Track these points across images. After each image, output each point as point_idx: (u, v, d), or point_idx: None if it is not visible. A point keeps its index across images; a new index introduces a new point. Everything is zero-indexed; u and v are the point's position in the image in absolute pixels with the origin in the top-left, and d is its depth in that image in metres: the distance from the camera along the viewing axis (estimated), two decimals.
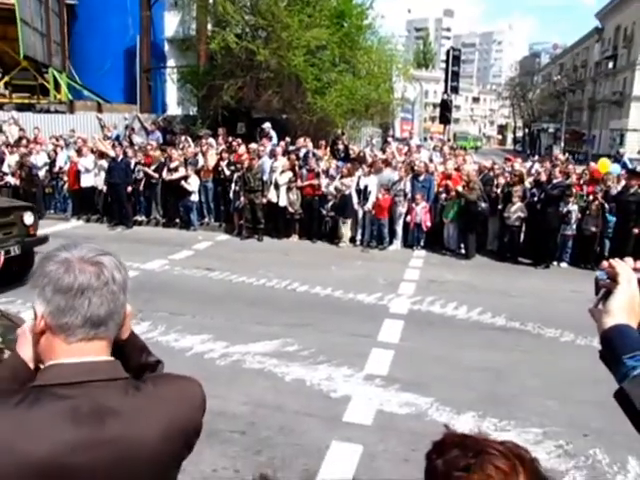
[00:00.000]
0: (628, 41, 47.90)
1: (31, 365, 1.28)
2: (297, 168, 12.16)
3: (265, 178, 12.16)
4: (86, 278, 1.19)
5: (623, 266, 1.22)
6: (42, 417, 1.11)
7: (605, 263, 1.25)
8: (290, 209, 11.98)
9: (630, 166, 12.98)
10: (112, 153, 13.05)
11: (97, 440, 1.14)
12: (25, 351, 1.29)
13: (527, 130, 73.85)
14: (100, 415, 1.15)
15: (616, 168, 12.06)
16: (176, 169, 12.53)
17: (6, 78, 24.22)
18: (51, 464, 1.09)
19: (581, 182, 11.42)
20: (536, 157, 14.02)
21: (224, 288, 8.74)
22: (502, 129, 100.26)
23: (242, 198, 12.08)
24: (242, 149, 13.01)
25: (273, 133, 14.62)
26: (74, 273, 1.19)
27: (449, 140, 22.82)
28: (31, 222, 8.52)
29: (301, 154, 12.90)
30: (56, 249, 1.25)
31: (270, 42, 16.19)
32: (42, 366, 1.23)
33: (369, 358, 6.10)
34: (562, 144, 50.63)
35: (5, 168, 13.64)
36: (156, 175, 12.76)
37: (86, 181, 13.39)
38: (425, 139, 27.91)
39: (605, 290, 1.23)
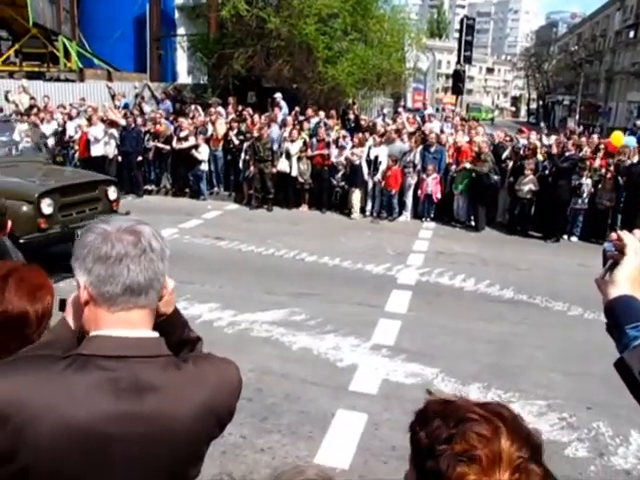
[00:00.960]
0: None
1: (75, 334, 1.32)
2: (307, 138, 12.08)
3: (275, 148, 12.11)
4: (123, 246, 1.20)
5: (631, 238, 1.21)
6: (84, 385, 1.15)
7: (613, 235, 1.24)
8: (300, 179, 11.94)
9: None
10: (123, 122, 13.00)
11: (134, 413, 1.17)
12: (70, 320, 1.34)
13: (541, 102, 72.73)
14: (139, 390, 1.17)
15: (631, 140, 11.84)
16: (186, 138, 12.48)
17: (16, 46, 24.06)
18: (89, 431, 1.13)
19: (595, 155, 11.23)
20: (545, 131, 13.74)
21: (233, 257, 8.78)
22: (516, 101, 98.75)
23: (252, 167, 12.05)
24: (257, 118, 12.93)
25: (283, 103, 14.48)
26: (112, 242, 1.20)
27: (460, 111, 22.52)
28: (115, 197, 8.27)
29: (311, 124, 12.80)
30: (95, 221, 1.27)
31: (281, 10, 15.96)
32: (87, 336, 1.25)
33: (376, 328, 6.14)
34: (577, 117, 49.87)
35: (16, 136, 13.63)
36: (167, 147, 12.73)
37: (96, 150, 13.36)
38: (437, 110, 27.56)
39: (612, 261, 1.22)
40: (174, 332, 1.45)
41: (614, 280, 1.19)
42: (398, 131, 12.17)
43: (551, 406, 4.68)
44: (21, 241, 6.39)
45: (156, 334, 1.27)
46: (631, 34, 49.99)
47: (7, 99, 16.75)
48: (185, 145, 12.42)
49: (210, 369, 1.32)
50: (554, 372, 5.27)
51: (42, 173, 8.17)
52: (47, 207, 7.04)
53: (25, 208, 6.85)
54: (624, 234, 1.23)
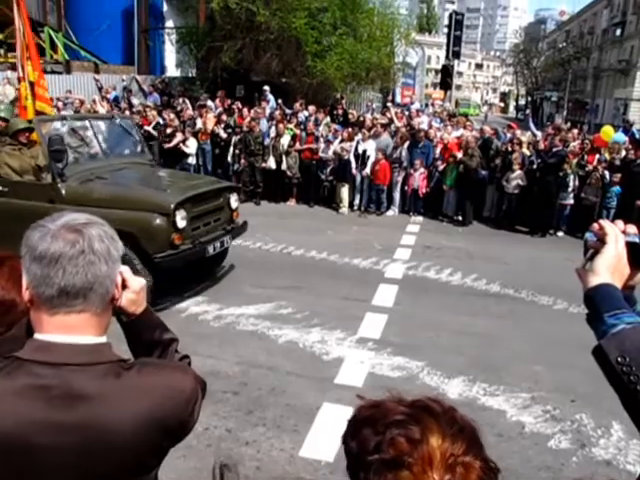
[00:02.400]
0: (638, 7, 46.99)
1: None
2: (297, 132, 12.05)
3: (267, 142, 12.06)
4: (59, 246, 1.14)
5: (612, 227, 1.21)
6: (14, 391, 1.11)
7: (595, 225, 1.24)
8: (288, 173, 11.91)
9: (637, 135, 12.82)
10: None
11: (65, 423, 1.12)
12: None
13: (530, 98, 73.06)
14: (71, 399, 1.13)
15: (620, 136, 11.90)
16: (173, 134, 12.38)
17: (0, 36, 23.79)
18: (16, 440, 1.09)
19: (583, 150, 11.27)
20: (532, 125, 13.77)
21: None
22: (504, 96, 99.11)
23: (242, 161, 12.00)
24: (245, 112, 12.87)
25: (271, 97, 14.43)
26: (48, 241, 1.15)
27: (449, 106, 22.57)
28: (236, 205, 7.36)
29: (300, 118, 12.77)
30: (45, 218, 1.22)
31: (271, 3, 15.89)
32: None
33: (362, 322, 6.15)
34: (565, 113, 50.16)
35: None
36: (155, 133, 12.60)
37: None
38: (426, 105, 27.60)
39: (593, 251, 1.22)
40: (144, 333, 1.41)
41: (594, 269, 1.19)
42: (384, 125, 12.17)
43: (535, 399, 4.71)
44: (156, 260, 5.83)
45: (100, 339, 1.21)
46: (618, 32, 50.34)
47: None
48: (172, 143, 12.29)
49: (157, 378, 1.25)
50: (539, 365, 5.31)
51: (164, 179, 7.35)
52: (181, 220, 6.08)
53: (159, 221, 5.91)
54: (605, 223, 1.23)
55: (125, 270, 1.31)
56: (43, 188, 6.30)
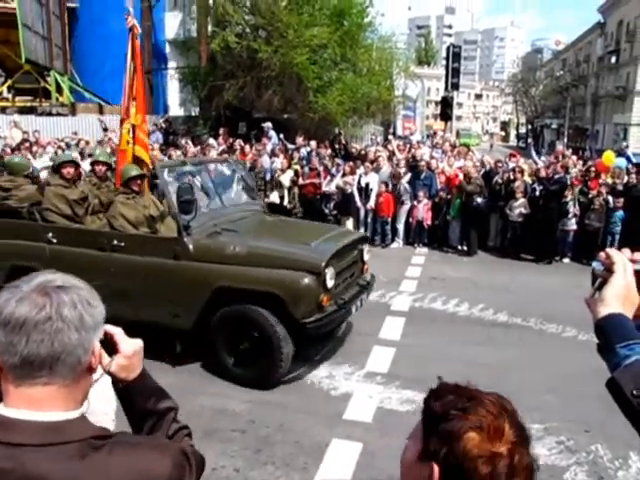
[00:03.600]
0: (631, 35, 47.65)
1: None
2: (299, 167, 12.15)
3: (268, 178, 12.16)
4: (25, 310, 1.05)
5: (619, 256, 1.21)
6: None
7: (602, 254, 1.24)
8: (289, 206, 11.97)
9: (634, 160, 12.90)
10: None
11: None
12: None
13: (530, 126, 73.61)
14: None
15: (622, 162, 11.97)
16: None
17: (9, 82, 24.29)
18: None
19: (586, 177, 11.27)
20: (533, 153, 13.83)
21: None
22: (505, 125, 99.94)
23: None
24: (247, 149, 13.02)
25: (273, 133, 14.61)
26: (13, 304, 1.06)
27: (450, 137, 22.77)
28: (367, 258, 6.58)
29: (302, 153, 12.89)
30: (22, 277, 1.13)
31: (272, 40, 16.20)
32: None
33: (370, 356, 6.09)
34: (565, 139, 50.44)
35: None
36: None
37: None
38: (428, 136, 27.84)
39: (601, 280, 1.22)
40: (137, 401, 1.32)
41: (603, 299, 1.18)
42: (389, 157, 12.27)
43: (548, 429, 4.63)
44: (307, 326, 5.12)
45: (68, 415, 1.09)
46: (613, 59, 50.94)
47: None
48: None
49: (129, 460, 1.11)
50: (550, 395, 5.23)
51: (298, 230, 6.69)
52: (330, 279, 5.31)
53: (308, 281, 5.10)
54: (612, 252, 1.23)
55: (117, 332, 1.25)
56: (166, 243, 5.60)
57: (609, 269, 1.21)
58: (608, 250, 1.24)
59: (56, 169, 6.71)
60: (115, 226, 5.94)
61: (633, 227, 10.11)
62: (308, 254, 5.35)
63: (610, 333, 1.14)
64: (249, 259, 5.25)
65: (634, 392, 1.05)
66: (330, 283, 5.32)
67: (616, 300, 1.17)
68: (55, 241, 5.96)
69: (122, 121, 7.03)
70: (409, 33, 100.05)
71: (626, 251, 1.24)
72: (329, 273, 5.29)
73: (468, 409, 1.00)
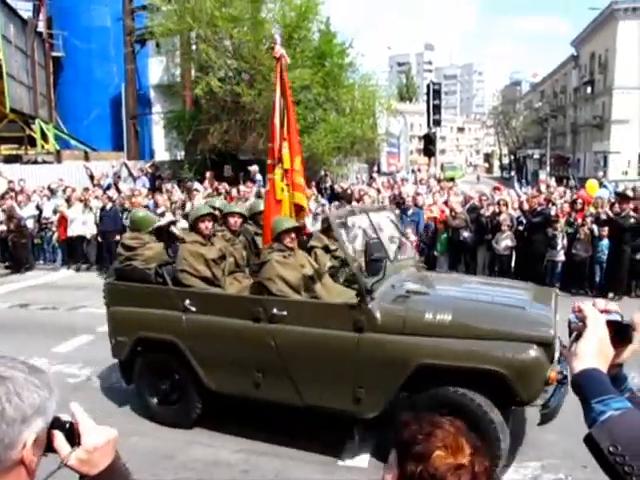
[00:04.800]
0: (603, 67, 49.03)
1: None
2: None
3: None
4: None
5: (591, 310, 1.23)
6: None
7: (576, 306, 1.26)
8: None
9: (610, 190, 13.15)
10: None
11: None
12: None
13: (513, 157, 74.74)
14: None
15: (604, 192, 12.19)
16: (163, 214, 12.53)
17: None
18: None
19: (571, 209, 11.39)
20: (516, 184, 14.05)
21: None
22: (488, 157, 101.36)
23: None
24: (234, 192, 13.10)
25: (259, 176, 14.70)
26: None
27: (434, 172, 23.06)
28: None
29: None
30: None
31: (255, 83, 16.45)
32: None
33: None
34: (548, 169, 51.20)
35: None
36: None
37: (75, 230, 13.40)
38: (413, 171, 28.18)
39: (576, 333, 1.24)
40: None
41: (577, 353, 1.20)
42: (374, 196, 12.38)
43: (545, 467, 4.60)
44: (542, 412, 4.36)
45: None
46: (588, 90, 52.23)
47: None
48: (163, 222, 12.41)
49: None
50: (546, 432, 5.17)
51: (487, 289, 5.48)
52: (557, 350, 4.39)
53: (536, 354, 4.15)
54: (584, 306, 1.24)
55: (83, 422, 1.19)
56: (345, 311, 4.61)
57: (583, 322, 1.22)
58: (580, 304, 1.26)
59: (193, 224, 5.72)
60: (273, 291, 4.90)
61: (618, 255, 10.23)
62: (532, 321, 4.42)
63: (585, 389, 1.15)
64: (455, 330, 4.27)
65: (610, 449, 1.05)
66: (557, 355, 4.40)
67: (590, 355, 1.18)
68: (194, 309, 5.11)
69: (271, 167, 6.09)
70: (390, 70, 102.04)
71: (599, 302, 1.26)
72: (557, 343, 4.35)
73: (431, 433, 1.15)
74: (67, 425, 1.18)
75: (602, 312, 1.23)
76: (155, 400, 5.49)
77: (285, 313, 4.74)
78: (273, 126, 6.06)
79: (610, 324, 1.22)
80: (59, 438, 1.16)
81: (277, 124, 6.03)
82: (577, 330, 1.24)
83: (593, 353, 1.18)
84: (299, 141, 6.32)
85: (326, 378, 4.61)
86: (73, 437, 1.17)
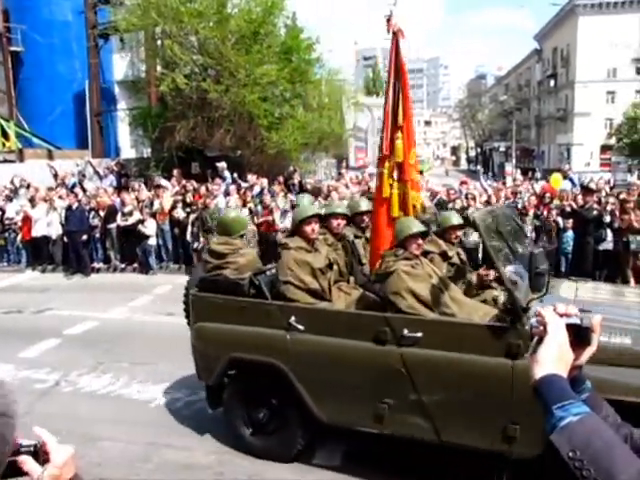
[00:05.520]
0: (565, 61, 50.02)
1: None
2: (253, 205, 12.18)
3: None
4: None
5: (551, 315, 1.24)
6: None
7: (537, 312, 1.28)
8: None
9: (576, 182, 13.42)
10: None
11: None
12: None
13: (480, 149, 75.71)
14: None
15: (568, 184, 12.42)
16: (130, 213, 12.40)
17: None
18: None
19: (539, 202, 11.57)
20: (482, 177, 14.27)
21: (186, 334, 8.59)
22: (455, 150, 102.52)
23: (201, 239, 12.00)
24: (203, 190, 13.00)
25: (227, 173, 14.59)
26: None
27: None
28: None
29: (255, 191, 12.93)
30: None
31: (222, 80, 16.30)
32: None
33: None
34: (514, 161, 52.04)
35: None
36: (113, 225, 12.61)
37: (39, 231, 13.15)
38: None
39: (537, 338, 1.25)
40: None
41: (537, 359, 1.20)
42: (344, 191, 12.41)
43: None
44: None
45: None
46: (551, 83, 53.26)
47: None
48: (130, 221, 12.32)
49: None
50: None
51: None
52: None
53: None
54: (545, 311, 1.25)
55: (49, 441, 1.23)
56: (496, 333, 3.92)
57: (544, 327, 1.24)
58: (540, 309, 1.27)
59: (297, 226, 4.92)
60: (402, 308, 4.21)
61: (582, 246, 10.46)
62: None
63: (545, 395, 1.16)
64: (635, 358, 3.65)
65: (570, 454, 1.06)
66: None
67: (550, 361, 1.19)
68: (301, 327, 4.43)
69: (381, 159, 5.31)
70: (356, 65, 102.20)
71: (560, 306, 1.27)
72: None
73: None
74: (32, 448, 1.22)
75: (562, 316, 1.25)
76: (248, 430, 4.86)
77: (420, 335, 4.08)
78: (386, 114, 5.24)
79: (570, 327, 1.23)
80: (29, 462, 1.20)
81: (390, 111, 5.20)
82: (538, 335, 1.25)
83: (553, 359, 1.19)
84: (413, 131, 5.42)
85: (471, 412, 3.95)
86: (38, 458, 1.22)
